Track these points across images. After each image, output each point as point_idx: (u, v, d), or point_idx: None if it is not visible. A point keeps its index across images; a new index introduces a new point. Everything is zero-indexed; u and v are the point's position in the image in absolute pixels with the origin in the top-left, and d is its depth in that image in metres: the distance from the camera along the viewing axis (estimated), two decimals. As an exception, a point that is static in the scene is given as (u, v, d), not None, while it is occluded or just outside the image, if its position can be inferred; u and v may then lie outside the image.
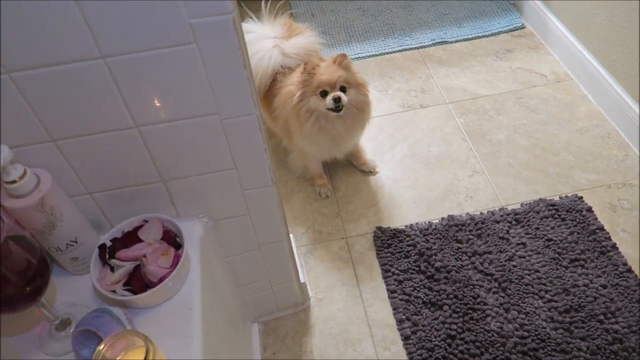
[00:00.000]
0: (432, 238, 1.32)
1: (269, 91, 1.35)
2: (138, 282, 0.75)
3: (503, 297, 1.19)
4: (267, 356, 1.16)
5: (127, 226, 0.82)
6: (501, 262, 1.25)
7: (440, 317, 1.17)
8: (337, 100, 1.22)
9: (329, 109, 1.24)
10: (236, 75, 0.69)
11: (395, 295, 1.22)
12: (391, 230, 1.36)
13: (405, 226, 1.37)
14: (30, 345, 0.75)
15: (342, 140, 1.35)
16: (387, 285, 1.25)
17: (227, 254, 1.00)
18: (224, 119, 0.74)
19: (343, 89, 1.25)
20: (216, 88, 0.70)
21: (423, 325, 1.16)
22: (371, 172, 1.53)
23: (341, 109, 1.25)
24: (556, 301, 1.17)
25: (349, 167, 1.56)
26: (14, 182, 0.67)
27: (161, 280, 0.75)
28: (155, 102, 0.70)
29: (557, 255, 1.26)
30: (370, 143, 1.61)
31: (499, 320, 1.15)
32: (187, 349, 0.73)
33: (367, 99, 1.31)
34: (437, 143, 1.60)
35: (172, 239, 0.80)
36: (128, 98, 0.69)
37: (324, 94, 1.24)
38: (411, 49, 1.98)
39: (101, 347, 0.64)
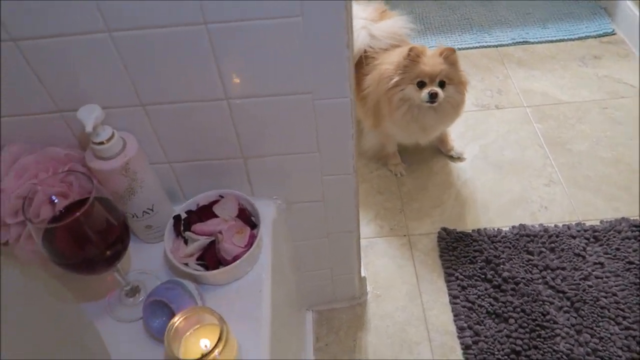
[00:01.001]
0: (500, 246, 1.25)
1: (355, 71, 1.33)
2: (212, 258, 0.73)
3: (575, 317, 1.11)
4: (319, 346, 1.13)
5: (203, 200, 0.80)
6: (575, 280, 1.17)
7: (505, 330, 1.10)
8: (433, 95, 1.21)
9: (424, 101, 1.23)
10: (338, 55, 0.65)
11: (458, 301, 1.17)
12: (457, 233, 1.29)
13: (472, 230, 1.30)
14: (99, 309, 0.75)
15: (431, 130, 1.35)
16: (449, 290, 1.19)
17: (295, 239, 0.97)
18: (316, 99, 0.70)
19: (442, 84, 1.23)
20: (315, 66, 0.66)
21: (485, 337, 1.10)
22: (459, 158, 1.50)
23: (435, 103, 1.22)
24: (634, 329, 1.08)
25: (416, 163, 1.50)
26: (101, 143, 0.67)
27: (235, 259, 0.73)
28: (250, 75, 0.67)
29: (638, 280, 1.16)
30: (440, 140, 1.55)
31: (570, 342, 1.08)
32: (256, 333, 0.70)
33: (464, 99, 1.29)
34: (511, 147, 1.52)
35: (247, 218, 0.78)
36: (223, 68, 0.66)
37: (422, 84, 1.22)
38: (489, 46, 1.88)
39: (175, 319, 0.62)
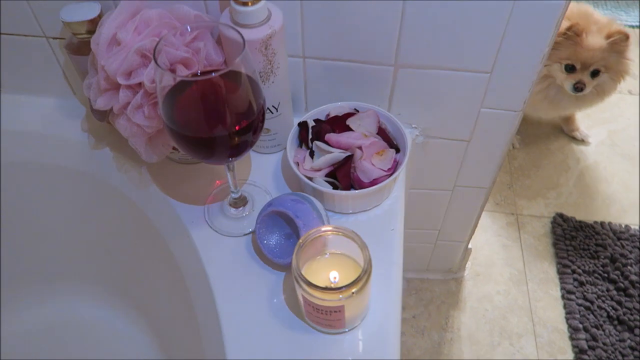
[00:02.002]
0: (628, 245, 1.07)
1: None
2: (345, 177, 0.59)
3: None
4: (405, 317, 0.99)
5: (335, 110, 0.65)
6: None
7: (629, 340, 0.93)
8: (579, 88, 1.02)
9: (567, 89, 1.05)
10: None
11: (573, 297, 1.00)
12: (576, 222, 1.12)
13: (595, 222, 1.12)
14: (195, 215, 0.62)
15: (563, 112, 1.17)
16: (562, 283, 1.03)
17: (414, 184, 0.82)
18: (521, -4, 0.54)
19: (596, 72, 1.03)
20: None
21: (604, 344, 0.93)
22: (582, 140, 1.30)
23: (580, 94, 1.05)
24: None
25: (531, 136, 1.31)
26: (246, 4, 0.53)
27: (373, 183, 0.58)
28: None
29: None
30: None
31: None
32: (387, 276, 0.56)
33: (615, 88, 1.09)
34: (644, 138, 1.32)
35: (389, 140, 0.63)
36: None
37: (570, 68, 1.03)
38: (625, 25, 1.65)
39: (325, 229, 0.49)
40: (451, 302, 1.01)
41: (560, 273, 1.04)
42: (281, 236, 0.57)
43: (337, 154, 0.59)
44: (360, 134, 0.61)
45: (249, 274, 0.57)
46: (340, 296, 0.47)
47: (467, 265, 1.05)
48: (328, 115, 0.65)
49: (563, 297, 1.01)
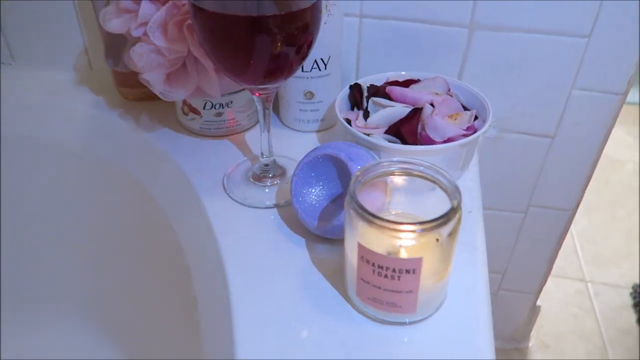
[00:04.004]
0: None
1: None
2: (410, 133, 0.45)
3: None
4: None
5: (395, 77, 0.54)
6: None
7: None
8: None
9: None
10: None
11: (676, 383, 0.78)
12: (663, 294, 0.92)
13: (686, 296, 0.93)
14: (212, 183, 0.49)
15: None
16: (658, 365, 0.81)
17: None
18: None
19: None
20: None
21: None
22: None
23: None
24: None
25: (596, 200, 1.16)
26: None
27: (447, 142, 0.45)
28: None
29: None
30: None
31: None
32: (470, 262, 0.40)
33: None
34: None
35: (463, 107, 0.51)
36: None
37: None
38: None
39: (394, 165, 0.35)
40: (516, 379, 0.79)
41: (653, 353, 0.83)
42: (322, 195, 0.42)
43: (401, 108, 0.47)
44: (431, 92, 0.49)
45: (275, 249, 0.42)
46: (415, 238, 0.31)
47: (531, 334, 0.85)
48: (387, 80, 0.54)
49: (664, 383, 0.79)
